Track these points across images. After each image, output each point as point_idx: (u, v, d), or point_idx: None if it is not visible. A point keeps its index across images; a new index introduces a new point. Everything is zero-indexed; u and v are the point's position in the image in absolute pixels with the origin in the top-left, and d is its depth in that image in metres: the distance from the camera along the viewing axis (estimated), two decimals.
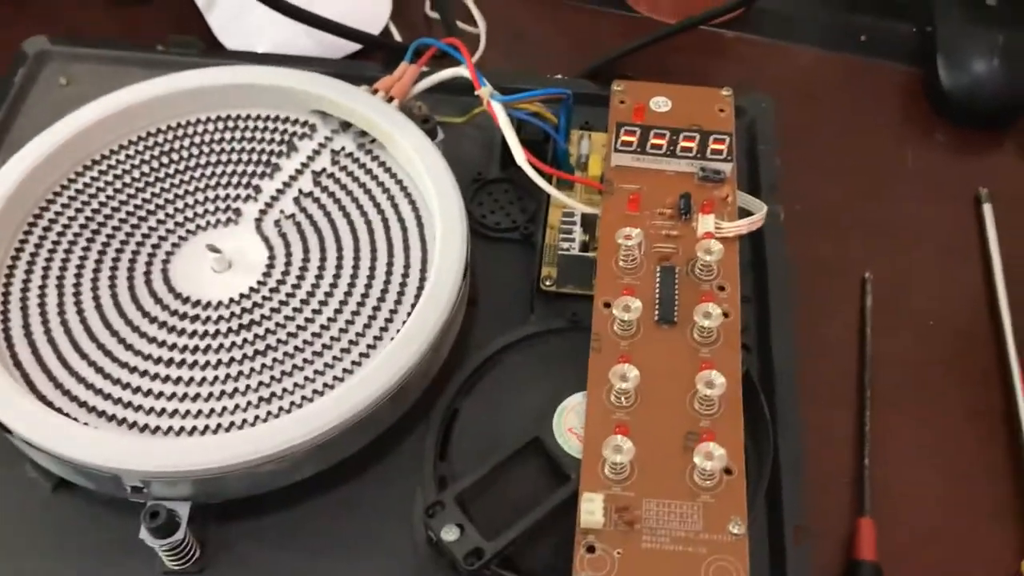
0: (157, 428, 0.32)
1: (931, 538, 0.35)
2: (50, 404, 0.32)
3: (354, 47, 0.48)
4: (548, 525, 0.31)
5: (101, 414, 0.32)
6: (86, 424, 0.32)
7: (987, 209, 0.43)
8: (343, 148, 0.40)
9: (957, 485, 0.36)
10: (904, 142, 0.47)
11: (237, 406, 0.32)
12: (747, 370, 0.34)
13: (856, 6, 0.53)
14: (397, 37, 0.50)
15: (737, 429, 0.31)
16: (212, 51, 0.46)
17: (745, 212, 0.37)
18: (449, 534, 0.30)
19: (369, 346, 0.34)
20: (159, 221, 0.37)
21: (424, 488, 0.32)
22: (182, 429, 0.32)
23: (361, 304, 0.35)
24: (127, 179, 0.38)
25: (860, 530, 0.34)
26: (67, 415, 0.32)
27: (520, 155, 0.38)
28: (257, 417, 0.32)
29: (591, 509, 0.29)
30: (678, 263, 0.35)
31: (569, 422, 0.33)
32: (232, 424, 0.32)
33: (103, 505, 0.33)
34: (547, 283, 0.38)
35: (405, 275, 0.36)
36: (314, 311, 0.35)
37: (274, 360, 0.33)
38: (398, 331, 0.33)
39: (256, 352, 0.34)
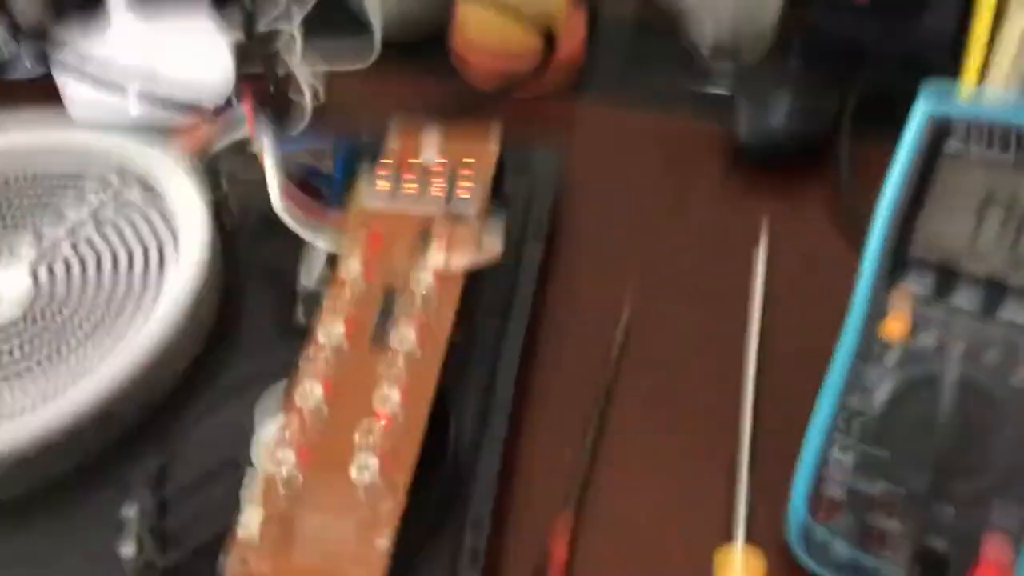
0: None
1: (632, 528, 0.36)
2: None
3: None
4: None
5: None
6: None
7: (760, 252, 0.45)
8: (128, 199, 0.43)
9: (672, 492, 0.37)
10: (699, 189, 0.49)
11: None
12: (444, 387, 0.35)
13: (673, 71, 0.55)
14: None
15: (411, 452, 0.33)
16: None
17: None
18: (127, 550, 0.32)
19: (91, 365, 0.36)
20: None
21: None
22: None
23: (99, 328, 0.38)
24: None
25: (554, 538, 0.35)
26: None
27: (277, 201, 0.41)
28: None
29: (247, 523, 0.31)
30: (401, 295, 0.37)
31: (266, 439, 0.35)
32: None
33: None
34: (299, 320, 0.40)
35: (150, 303, 0.39)
36: (56, 340, 0.38)
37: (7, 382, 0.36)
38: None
39: None
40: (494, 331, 0.40)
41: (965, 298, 0.31)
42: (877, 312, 0.32)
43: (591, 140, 0.52)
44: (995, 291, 0.31)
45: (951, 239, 0.31)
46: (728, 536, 0.36)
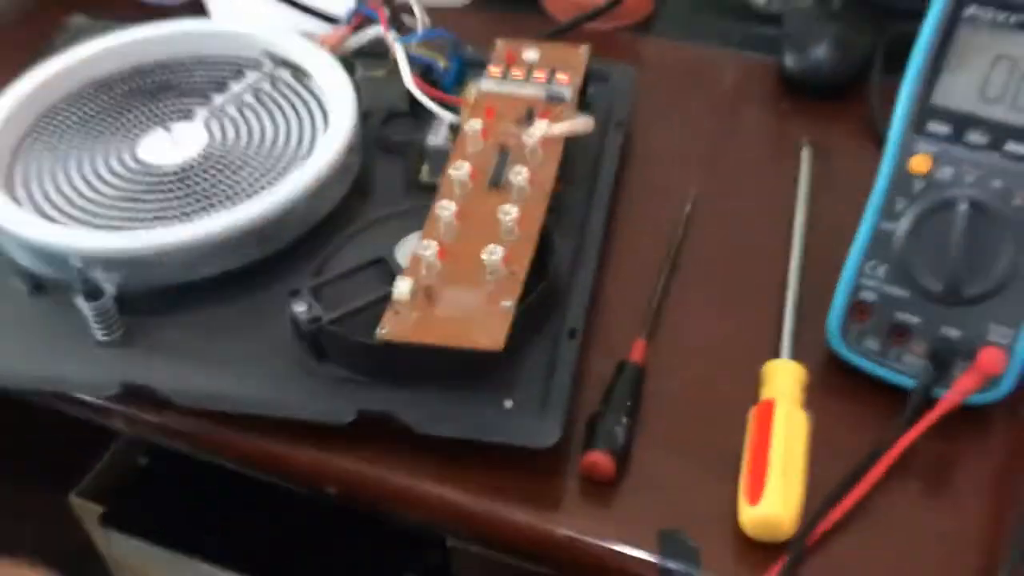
0: (103, 227, 0.43)
1: (695, 354, 0.44)
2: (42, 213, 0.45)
3: None
4: (382, 311, 0.40)
5: (69, 216, 0.44)
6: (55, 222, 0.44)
7: (805, 153, 0.53)
8: (280, 77, 0.52)
9: (729, 323, 0.45)
10: (752, 109, 0.57)
11: (164, 220, 0.44)
12: (548, 222, 0.43)
13: (732, 15, 0.64)
14: None
15: (528, 250, 0.41)
16: None
17: None
18: (299, 307, 0.40)
19: (262, 188, 0.45)
20: (135, 116, 0.50)
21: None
22: (119, 228, 0.43)
23: (264, 165, 0.46)
24: (118, 90, 0.51)
25: (635, 344, 0.43)
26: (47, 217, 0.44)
27: (407, 77, 0.50)
28: (172, 226, 0.43)
29: (400, 286, 0.39)
30: (513, 151, 0.46)
31: (407, 249, 0.43)
32: (154, 229, 0.43)
33: (66, 307, 0.44)
34: (424, 176, 0.49)
35: (305, 154, 0.47)
36: (231, 171, 0.46)
37: (197, 200, 0.45)
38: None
39: (186, 194, 0.45)
40: (585, 193, 0.49)
41: (977, 137, 0.39)
42: (906, 152, 0.40)
43: (658, 67, 0.60)
44: (1001, 131, 0.39)
45: (967, 90, 0.39)
46: (775, 355, 0.43)
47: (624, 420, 0.40)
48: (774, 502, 0.36)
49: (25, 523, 0.76)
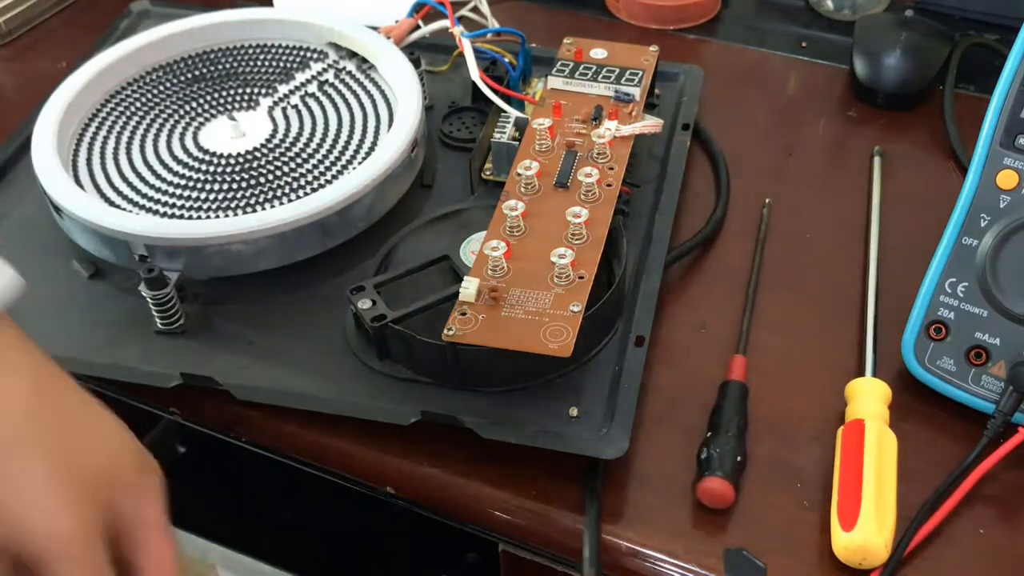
0: (165, 215, 0.43)
1: (788, 364, 0.43)
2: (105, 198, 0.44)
3: None
4: (444, 311, 0.40)
5: (131, 202, 0.44)
6: (119, 208, 0.43)
7: (876, 162, 0.52)
8: (345, 68, 0.51)
9: (805, 338, 0.44)
10: (820, 116, 0.56)
11: (226, 209, 0.43)
12: (616, 225, 0.42)
13: (798, 20, 0.63)
14: None
15: (596, 253, 0.40)
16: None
17: None
18: (364, 304, 0.40)
19: (327, 181, 0.44)
20: (198, 104, 0.49)
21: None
22: (181, 217, 0.43)
23: (328, 157, 0.46)
24: (182, 77, 0.51)
25: (733, 362, 0.42)
26: (109, 202, 0.44)
27: (475, 71, 0.49)
28: (234, 216, 0.42)
29: (468, 286, 0.39)
30: (580, 151, 0.45)
31: (472, 247, 0.42)
32: (217, 218, 0.42)
33: (125, 292, 0.43)
34: (487, 173, 0.48)
35: (369, 147, 0.47)
36: (296, 162, 0.46)
37: (260, 190, 0.44)
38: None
39: (248, 184, 0.45)
40: (652, 195, 0.48)
41: None
42: (993, 166, 0.39)
43: (723, 70, 0.59)
44: None
45: None
46: (855, 373, 0.42)
47: (736, 443, 0.38)
48: (869, 528, 0.35)
49: None
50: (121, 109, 0.49)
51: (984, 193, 0.39)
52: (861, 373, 0.41)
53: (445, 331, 0.37)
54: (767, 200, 0.50)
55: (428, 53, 0.54)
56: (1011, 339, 0.39)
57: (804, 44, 0.61)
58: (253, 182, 0.45)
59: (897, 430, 0.39)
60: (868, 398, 0.39)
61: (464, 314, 0.38)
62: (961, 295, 0.40)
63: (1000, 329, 0.39)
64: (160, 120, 0.49)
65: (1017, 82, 0.39)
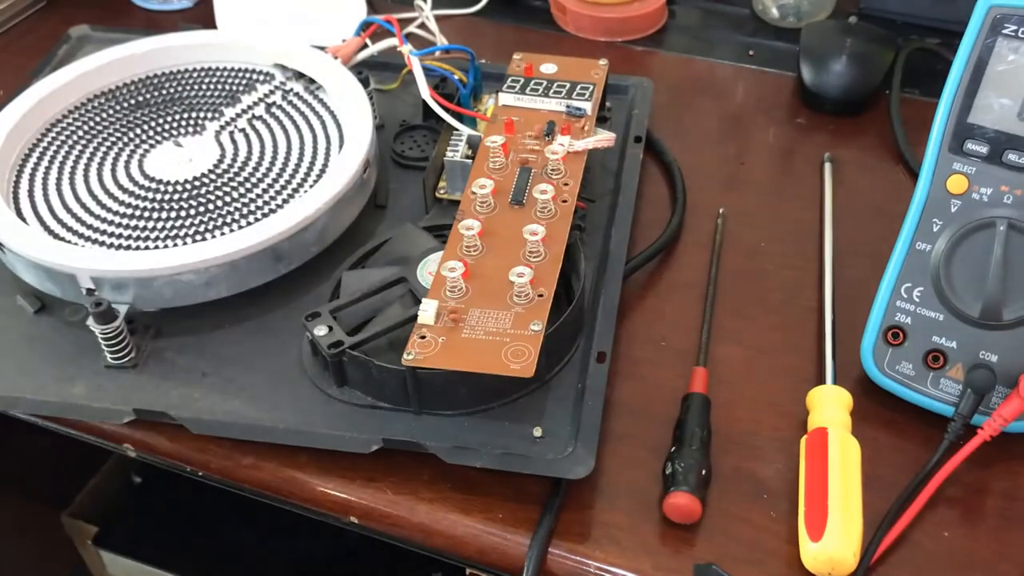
0: (112, 246, 0.42)
1: (748, 374, 0.43)
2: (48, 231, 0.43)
3: None
4: (403, 335, 0.39)
5: (76, 233, 0.43)
6: (63, 240, 0.42)
7: (827, 168, 0.52)
8: (292, 89, 0.50)
9: (763, 346, 0.44)
10: (770, 123, 0.56)
11: (175, 238, 0.42)
12: (573, 241, 0.42)
13: (744, 28, 0.64)
14: None
15: (554, 271, 0.40)
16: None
17: None
18: (320, 331, 0.39)
19: (278, 205, 0.43)
20: (143, 130, 0.48)
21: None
22: (128, 248, 0.41)
23: (278, 181, 0.45)
24: (125, 104, 0.50)
25: (694, 374, 0.42)
26: (53, 234, 0.42)
27: (424, 90, 0.48)
28: (183, 245, 0.41)
29: (427, 309, 0.38)
30: (534, 167, 0.45)
31: (429, 268, 0.42)
32: (165, 248, 0.41)
33: (74, 327, 0.42)
34: (441, 191, 0.48)
35: (320, 169, 0.46)
36: (245, 187, 0.45)
37: (209, 217, 0.43)
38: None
39: (197, 212, 0.44)
40: (607, 209, 0.47)
41: (1016, 157, 0.38)
42: (942, 171, 0.39)
43: (671, 80, 0.59)
44: None
45: (1003, 110, 0.38)
46: (815, 380, 0.42)
47: (701, 456, 0.38)
48: (837, 538, 0.35)
49: (17, 544, 0.74)
50: (63, 138, 0.48)
51: (935, 199, 0.40)
52: (822, 381, 0.41)
53: (405, 355, 0.37)
54: (720, 210, 0.50)
55: (377, 72, 0.54)
56: (967, 342, 0.39)
57: (751, 52, 0.62)
58: (202, 209, 0.44)
59: (860, 436, 0.39)
60: (830, 406, 0.39)
61: (424, 337, 0.38)
62: (917, 300, 0.40)
63: (956, 332, 0.39)
64: (104, 148, 0.47)
65: (962, 89, 0.39)
